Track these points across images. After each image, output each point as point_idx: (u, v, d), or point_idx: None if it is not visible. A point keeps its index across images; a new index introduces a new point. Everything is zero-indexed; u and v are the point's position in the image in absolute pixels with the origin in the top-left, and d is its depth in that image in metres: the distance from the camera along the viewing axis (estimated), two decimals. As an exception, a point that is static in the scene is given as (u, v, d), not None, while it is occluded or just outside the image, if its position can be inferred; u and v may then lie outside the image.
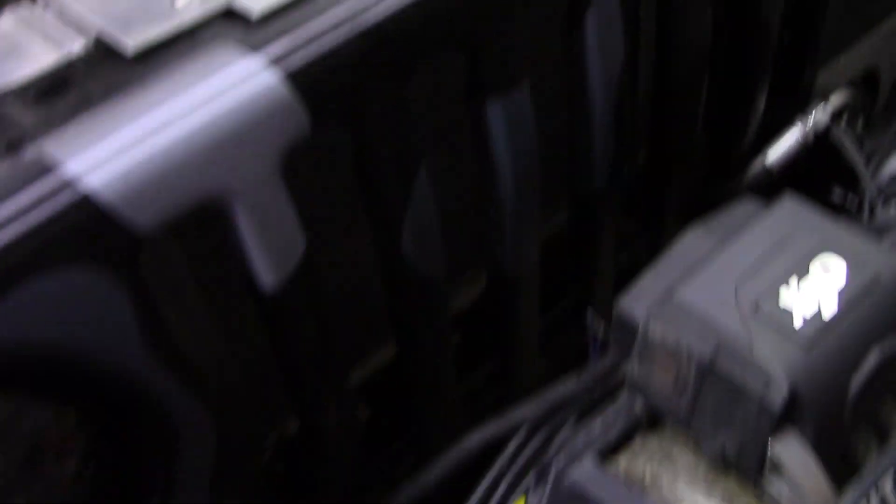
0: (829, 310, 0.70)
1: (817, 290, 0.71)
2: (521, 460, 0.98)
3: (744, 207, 0.83)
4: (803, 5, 1.17)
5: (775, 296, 0.71)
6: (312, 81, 0.67)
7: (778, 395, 0.67)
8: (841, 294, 0.71)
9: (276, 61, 0.67)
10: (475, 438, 0.97)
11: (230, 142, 0.64)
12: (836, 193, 1.30)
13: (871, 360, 0.71)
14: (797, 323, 0.70)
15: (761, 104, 1.17)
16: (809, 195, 1.30)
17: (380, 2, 0.70)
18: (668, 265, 0.78)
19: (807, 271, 0.73)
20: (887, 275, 0.73)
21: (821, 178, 1.30)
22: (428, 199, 0.79)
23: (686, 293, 0.73)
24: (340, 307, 0.94)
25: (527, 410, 0.98)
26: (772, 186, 1.25)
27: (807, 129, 1.19)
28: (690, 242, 0.79)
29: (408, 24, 0.71)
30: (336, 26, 0.69)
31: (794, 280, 0.72)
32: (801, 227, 0.77)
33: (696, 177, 1.21)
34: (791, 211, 0.79)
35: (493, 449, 0.98)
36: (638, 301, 0.76)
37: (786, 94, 1.24)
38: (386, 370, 1.06)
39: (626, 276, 1.17)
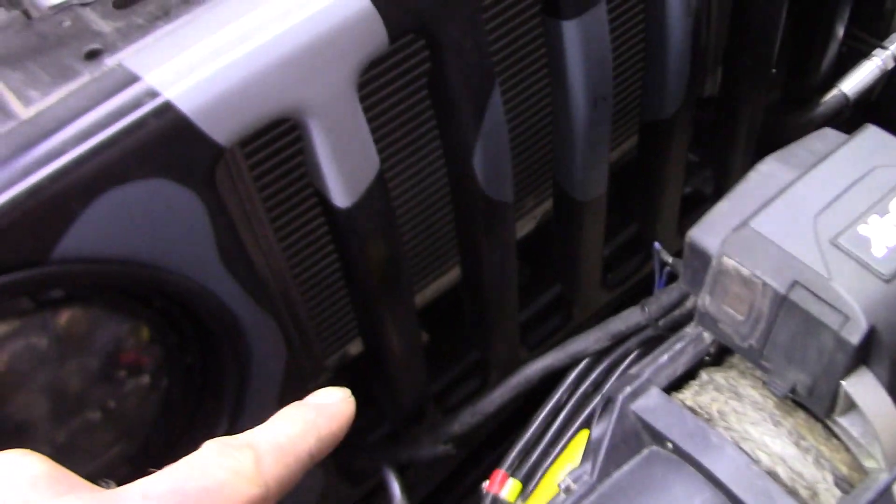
0: (912, 244, 0.69)
1: (899, 225, 0.70)
2: (581, 391, 0.98)
3: (821, 138, 0.80)
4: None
5: (855, 228, 0.69)
6: (392, -5, 0.66)
7: (857, 331, 0.66)
8: (924, 229, 0.69)
9: (357, -26, 0.65)
10: (537, 367, 0.97)
11: (309, 53, 0.63)
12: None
13: (951, 298, 0.69)
14: (877, 255, 0.68)
15: (839, 32, 1.13)
16: (886, 128, 1.27)
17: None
18: (742, 196, 0.76)
19: (887, 204, 0.71)
20: (972, 211, 0.71)
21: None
22: (500, 119, 0.78)
23: (762, 224, 0.71)
24: (409, 228, 0.95)
25: (590, 341, 0.97)
26: (847, 118, 1.22)
27: (885, 59, 1.15)
28: (765, 173, 0.77)
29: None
30: (416, -60, 0.67)
31: (874, 212, 0.70)
32: (883, 159, 0.74)
33: (769, 107, 1.18)
34: (872, 142, 0.76)
35: (553, 379, 0.99)
36: (711, 231, 0.74)
37: (865, 22, 1.20)
38: (445, 297, 1.06)
39: (690, 207, 1.16)
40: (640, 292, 1.20)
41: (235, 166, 0.78)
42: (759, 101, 1.08)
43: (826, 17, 1.12)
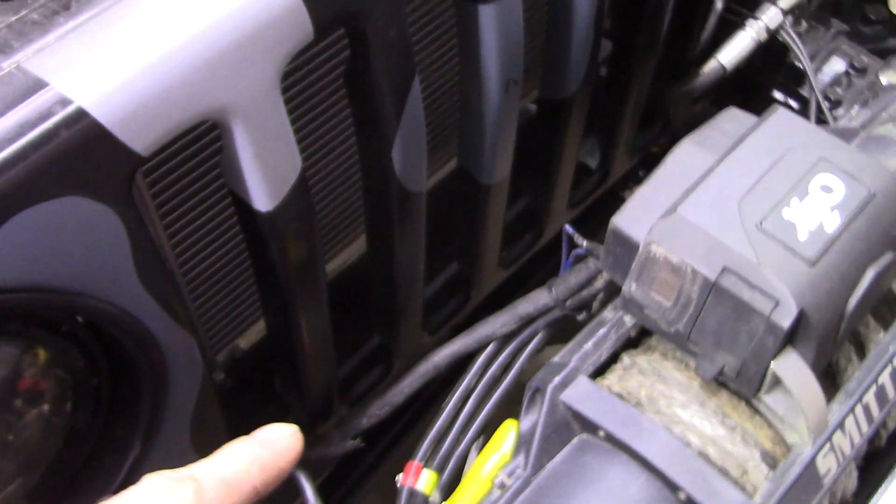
0: (831, 225, 0.71)
1: (818, 206, 0.71)
2: (490, 374, 0.97)
3: (731, 119, 0.81)
4: None
5: (778, 211, 0.70)
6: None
7: (787, 316, 0.67)
8: (841, 209, 0.71)
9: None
10: (445, 353, 0.95)
11: (234, 50, 0.58)
12: (780, 95, 1.31)
13: (868, 277, 0.71)
14: (801, 239, 0.70)
15: (718, 4, 1.15)
16: (758, 96, 1.31)
17: None
18: (663, 181, 0.76)
19: (806, 187, 0.72)
20: (882, 190, 0.73)
21: (768, 79, 1.31)
22: (419, 110, 0.75)
23: (688, 210, 0.72)
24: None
25: (497, 324, 0.96)
26: (723, 88, 1.25)
27: (758, 30, 1.18)
28: (683, 157, 0.77)
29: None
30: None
31: (794, 195, 0.72)
32: (795, 140, 0.76)
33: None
34: (782, 123, 0.78)
35: (461, 365, 0.98)
36: (636, 219, 0.74)
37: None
38: (342, 276, 1.02)
39: (578, 179, 1.17)
40: (532, 269, 1.20)
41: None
42: (648, 75, 1.09)
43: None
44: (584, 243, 0.87)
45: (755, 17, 1.18)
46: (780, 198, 0.72)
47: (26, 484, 0.70)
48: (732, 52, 1.18)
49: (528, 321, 0.96)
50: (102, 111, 0.54)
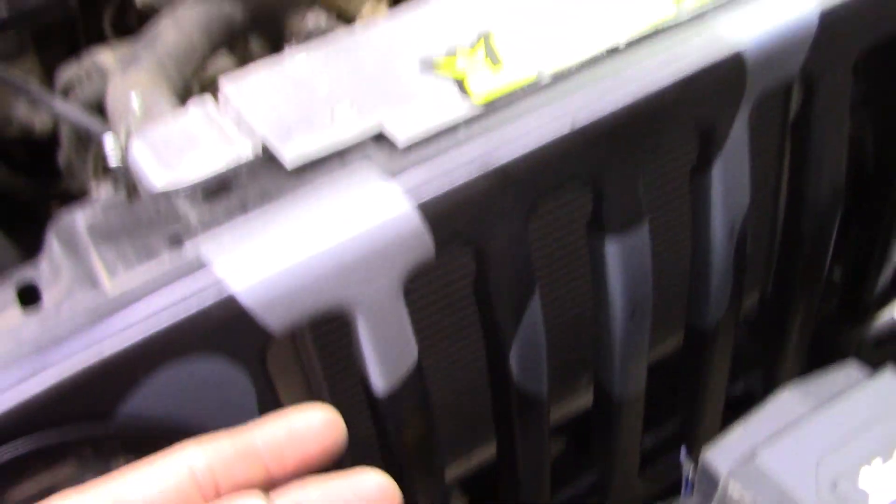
0: (911, 499, 0.71)
1: (902, 475, 0.72)
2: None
3: (846, 373, 0.84)
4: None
5: (855, 475, 0.72)
6: (442, 212, 0.74)
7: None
8: (925, 483, 0.72)
9: (412, 190, 0.74)
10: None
11: (361, 259, 0.71)
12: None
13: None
14: (875, 506, 0.71)
15: (896, 251, 1.17)
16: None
17: (511, 142, 0.77)
18: (758, 422, 0.80)
19: (894, 454, 0.74)
20: (979, 470, 0.73)
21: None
22: (538, 322, 0.84)
23: (768, 457, 0.75)
24: (447, 408, 1.01)
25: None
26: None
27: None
28: (784, 402, 0.81)
29: (535, 164, 0.77)
30: (469, 162, 0.75)
31: (878, 461, 0.73)
32: (898, 406, 0.78)
33: (825, 316, 1.21)
34: (891, 384, 0.80)
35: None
36: (722, 455, 0.78)
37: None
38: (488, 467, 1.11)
39: (737, 406, 1.19)
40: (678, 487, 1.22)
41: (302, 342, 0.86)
42: (810, 307, 1.11)
43: (883, 228, 1.16)
44: (691, 470, 0.91)
45: (940, 272, 1.18)
46: (862, 458, 0.73)
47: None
48: (911, 303, 1.18)
49: (644, 537, 0.99)
50: (248, 297, 0.68)
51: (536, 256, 0.97)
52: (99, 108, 1.11)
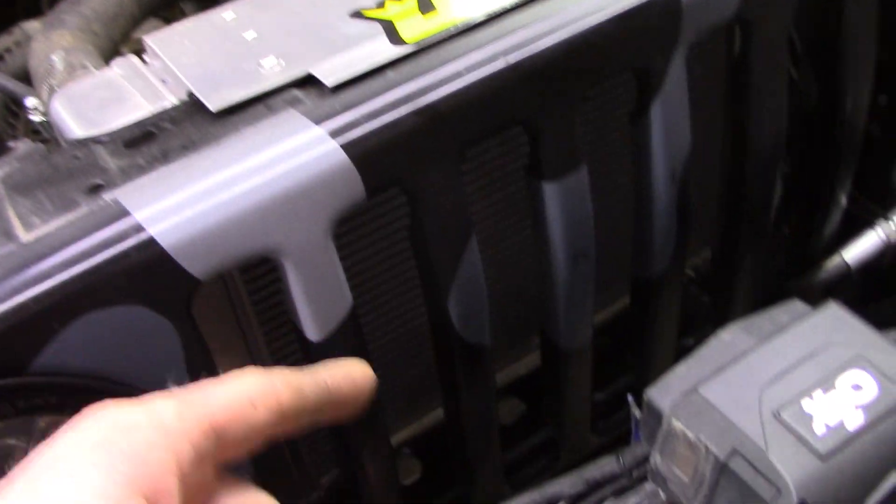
0: (853, 424, 0.71)
1: (844, 403, 0.72)
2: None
3: (788, 311, 0.83)
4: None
5: (798, 402, 0.71)
6: (370, 153, 0.72)
7: (787, 504, 0.67)
8: (867, 410, 0.71)
9: (338, 130, 0.72)
10: (512, 508, 0.99)
11: (284, 201, 0.69)
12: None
13: (891, 482, 0.70)
14: (817, 432, 0.70)
15: (842, 199, 1.16)
16: (883, 298, 1.28)
17: (442, 81, 0.75)
18: (700, 360, 0.79)
19: (833, 381, 0.73)
20: (921, 396, 0.72)
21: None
22: (477, 268, 0.83)
23: (710, 390, 0.74)
24: (389, 363, 0.99)
25: (566, 485, 0.99)
26: (849, 286, 1.24)
27: (887, 230, 1.17)
28: (726, 340, 0.80)
29: (466, 103, 0.75)
30: (398, 103, 0.74)
31: (820, 390, 0.72)
32: (839, 337, 0.77)
33: (773, 270, 1.20)
34: (831, 319, 0.79)
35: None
36: (666, 392, 0.77)
37: (873, 191, 1.23)
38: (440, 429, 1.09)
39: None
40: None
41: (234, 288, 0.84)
42: (757, 256, 1.10)
43: (826, 182, 1.16)
44: (639, 414, 0.90)
45: (886, 218, 1.18)
46: (804, 389, 0.73)
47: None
48: (857, 249, 1.18)
49: (596, 486, 0.98)
50: (168, 240, 0.66)
51: (480, 206, 0.96)
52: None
